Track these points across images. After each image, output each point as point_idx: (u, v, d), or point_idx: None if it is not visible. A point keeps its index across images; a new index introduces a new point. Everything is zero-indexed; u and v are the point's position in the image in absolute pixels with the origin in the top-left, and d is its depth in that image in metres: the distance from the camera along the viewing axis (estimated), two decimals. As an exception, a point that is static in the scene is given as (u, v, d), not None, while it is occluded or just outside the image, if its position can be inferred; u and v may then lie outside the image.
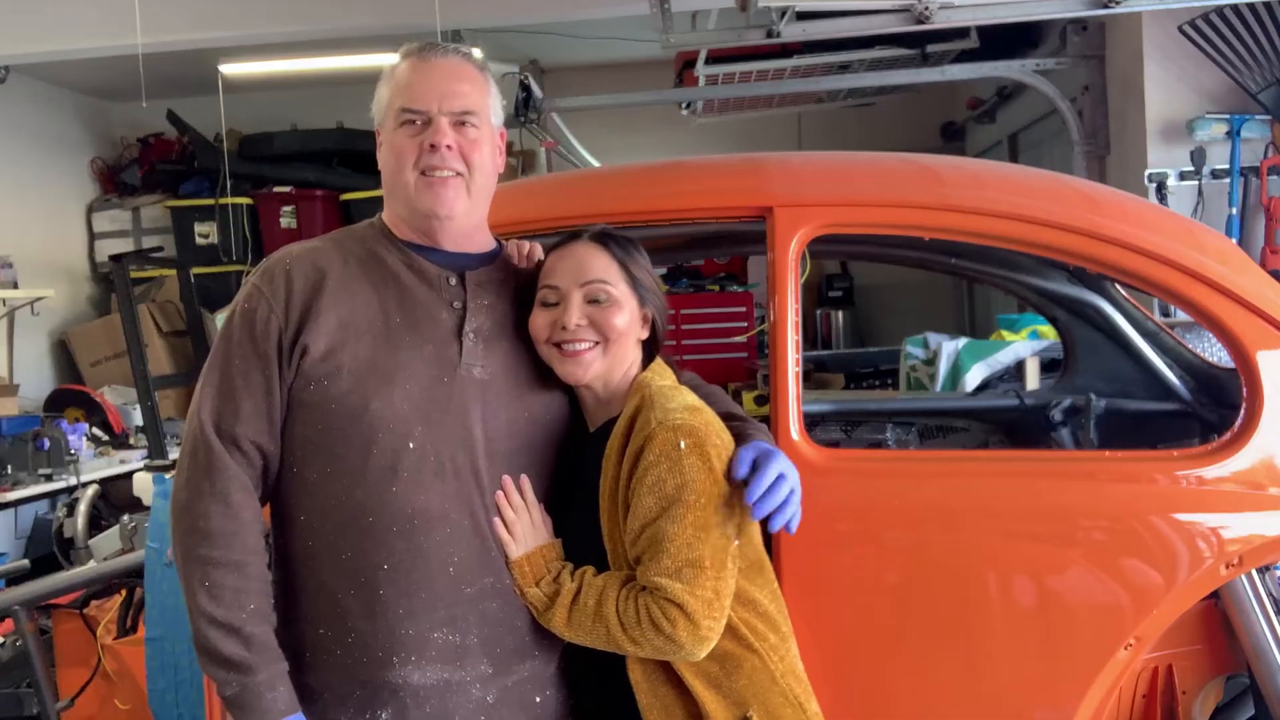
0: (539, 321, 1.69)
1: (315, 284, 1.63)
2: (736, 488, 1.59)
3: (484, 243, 1.78)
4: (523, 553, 1.64)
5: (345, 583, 1.60)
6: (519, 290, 1.76)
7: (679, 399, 1.63)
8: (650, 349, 1.75)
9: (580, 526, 1.68)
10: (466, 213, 1.69)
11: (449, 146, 1.64)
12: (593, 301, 1.67)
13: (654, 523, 1.55)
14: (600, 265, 1.69)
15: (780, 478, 1.59)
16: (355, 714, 1.59)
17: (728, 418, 1.71)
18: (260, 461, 1.62)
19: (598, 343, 1.66)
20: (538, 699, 1.67)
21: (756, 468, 1.59)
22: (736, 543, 1.59)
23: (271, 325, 1.60)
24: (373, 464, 1.59)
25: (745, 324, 6.00)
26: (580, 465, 1.71)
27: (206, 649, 1.53)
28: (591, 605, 1.59)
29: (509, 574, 1.64)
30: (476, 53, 1.78)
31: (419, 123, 1.65)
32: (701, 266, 6.92)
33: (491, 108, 1.72)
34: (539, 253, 1.82)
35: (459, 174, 1.65)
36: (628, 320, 1.68)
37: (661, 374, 1.71)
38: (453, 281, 1.70)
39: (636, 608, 1.55)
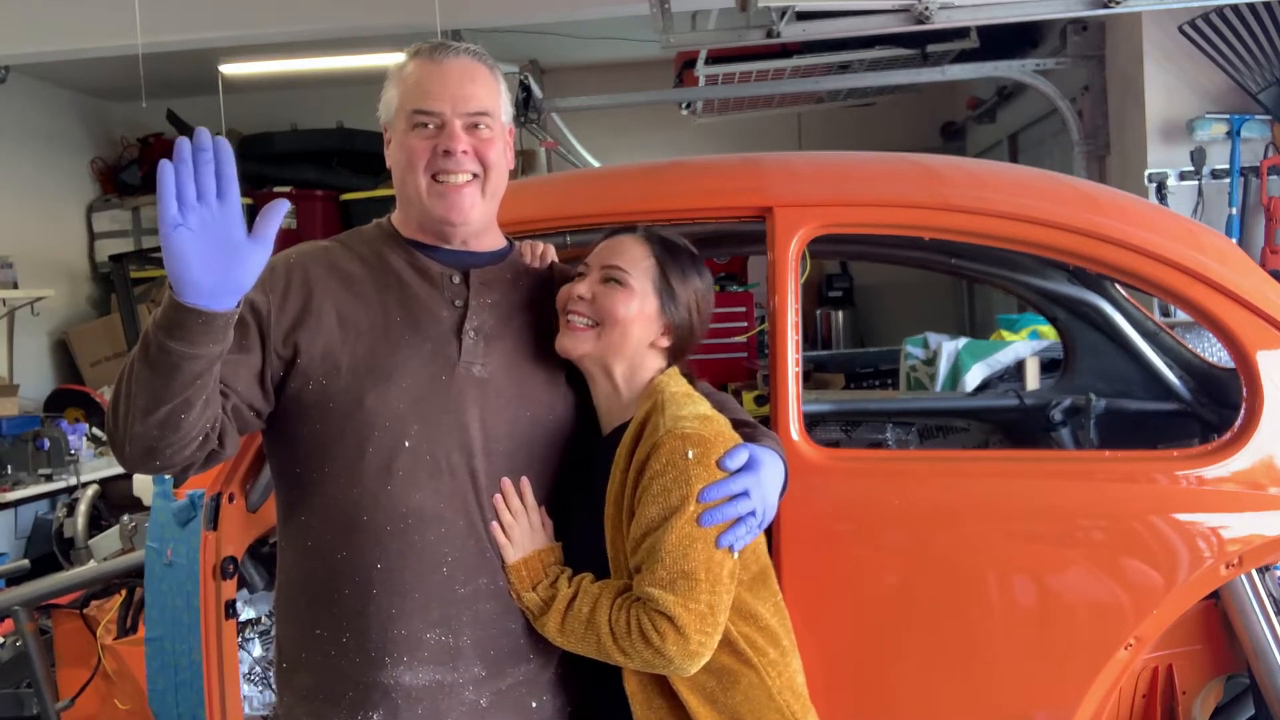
0: (562, 291, 1.68)
1: (317, 282, 1.62)
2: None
3: (492, 242, 1.77)
4: (520, 557, 1.61)
5: (340, 582, 1.59)
6: (528, 290, 1.74)
7: (691, 407, 1.59)
8: (673, 359, 1.71)
9: (585, 531, 1.65)
10: (481, 214, 1.68)
11: (464, 151, 1.62)
12: (607, 283, 1.66)
13: (654, 532, 1.51)
14: (632, 255, 1.67)
15: (744, 494, 1.54)
16: (348, 714, 1.58)
17: (739, 425, 1.67)
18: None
19: (596, 324, 1.64)
20: (533, 704, 1.65)
21: (741, 470, 1.55)
22: (736, 556, 1.55)
23: (259, 304, 1.57)
24: (368, 462, 1.58)
25: (745, 324, 6.00)
26: (591, 469, 1.69)
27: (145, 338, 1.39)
28: (585, 612, 1.55)
29: (505, 576, 1.62)
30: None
31: (432, 126, 1.63)
32: (701, 266, 6.89)
33: (503, 106, 1.71)
34: (552, 254, 1.82)
35: (475, 175, 1.64)
36: (634, 312, 1.64)
37: (677, 380, 1.67)
38: (455, 280, 1.69)
39: (628, 618, 1.51)
